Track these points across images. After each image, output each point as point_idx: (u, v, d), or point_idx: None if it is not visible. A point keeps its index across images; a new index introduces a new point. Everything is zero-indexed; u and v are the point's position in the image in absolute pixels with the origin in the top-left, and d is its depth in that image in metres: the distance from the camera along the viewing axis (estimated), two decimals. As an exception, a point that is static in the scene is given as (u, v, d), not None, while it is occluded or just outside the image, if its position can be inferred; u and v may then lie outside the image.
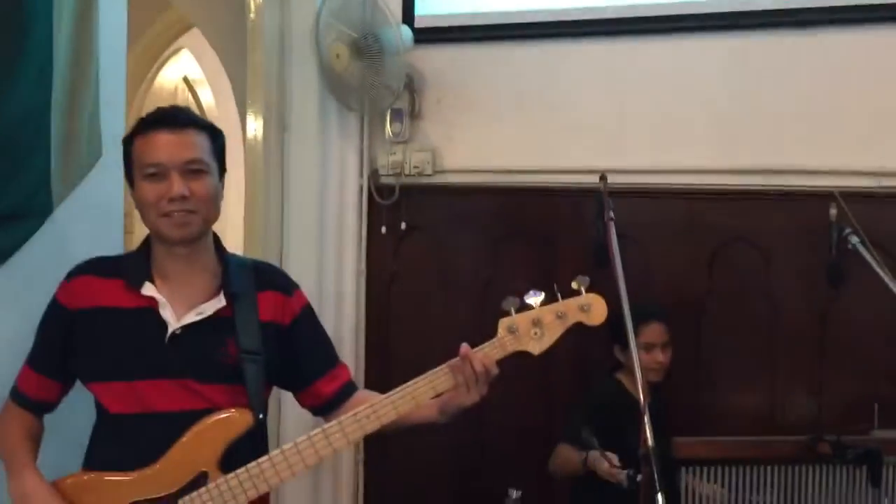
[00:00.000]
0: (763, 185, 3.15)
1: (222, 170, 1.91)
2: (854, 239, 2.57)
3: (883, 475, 2.32)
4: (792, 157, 3.11)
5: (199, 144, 1.83)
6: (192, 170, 1.82)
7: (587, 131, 3.40)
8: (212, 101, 6.06)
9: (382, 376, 3.58)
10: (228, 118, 5.24)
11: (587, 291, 1.84)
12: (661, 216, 3.28)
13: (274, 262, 3.56)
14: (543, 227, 3.49)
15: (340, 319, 3.58)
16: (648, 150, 3.31)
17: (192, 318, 1.84)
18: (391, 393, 1.85)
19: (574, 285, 1.84)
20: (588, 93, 3.40)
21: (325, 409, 1.99)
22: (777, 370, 3.20)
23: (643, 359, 2.82)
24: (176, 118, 1.85)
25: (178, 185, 1.79)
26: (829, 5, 3.08)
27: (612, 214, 2.29)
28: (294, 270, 3.54)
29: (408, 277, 3.65)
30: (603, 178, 2.41)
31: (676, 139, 3.27)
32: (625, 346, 2.48)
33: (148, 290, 1.85)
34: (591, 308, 1.83)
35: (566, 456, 2.75)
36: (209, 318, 1.84)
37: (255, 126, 3.68)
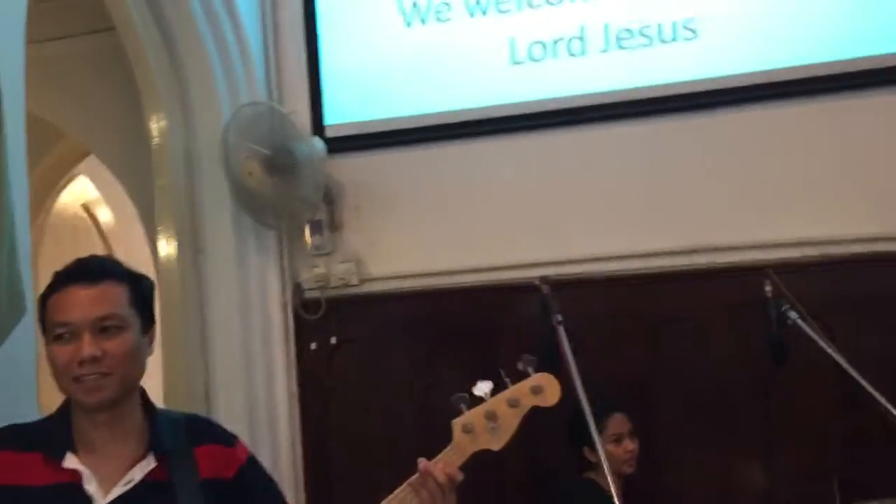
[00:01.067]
0: (693, 265, 3.18)
1: (148, 320, 1.75)
2: (793, 314, 2.58)
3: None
4: (718, 235, 3.16)
5: (115, 298, 1.68)
6: (106, 327, 1.66)
7: (512, 227, 3.39)
8: (112, 221, 5.86)
9: (327, 499, 3.39)
10: (134, 240, 5.04)
11: (535, 372, 1.74)
12: (597, 304, 3.26)
13: (199, 392, 3.41)
14: (478, 326, 3.43)
15: (276, 447, 3.41)
16: (577, 239, 3.31)
17: (121, 489, 1.65)
18: (353, 530, 1.72)
19: (520, 367, 1.74)
20: (509, 188, 3.40)
21: (279, 563, 1.81)
22: (727, 449, 3.17)
23: (615, 452, 2.78)
24: (89, 271, 1.69)
25: (88, 347, 1.63)
26: (732, 87, 3.19)
27: (559, 318, 2.23)
28: (221, 400, 3.41)
29: (344, 393, 3.51)
30: (545, 281, 2.36)
31: (603, 227, 3.29)
32: (594, 446, 2.40)
33: (70, 461, 1.67)
34: (544, 389, 1.73)
35: None
36: (141, 484, 1.66)
37: (167, 250, 3.53)
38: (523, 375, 1.73)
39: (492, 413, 1.71)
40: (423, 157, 3.50)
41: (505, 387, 1.73)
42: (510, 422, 1.71)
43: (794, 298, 2.70)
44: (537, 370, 1.73)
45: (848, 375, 2.45)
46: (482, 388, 1.72)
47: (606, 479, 2.31)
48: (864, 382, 2.41)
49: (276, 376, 3.48)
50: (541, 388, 1.72)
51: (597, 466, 2.83)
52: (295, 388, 3.51)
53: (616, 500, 1.93)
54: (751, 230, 3.12)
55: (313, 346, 3.50)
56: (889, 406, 2.37)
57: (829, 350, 2.47)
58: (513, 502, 3.30)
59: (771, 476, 3.10)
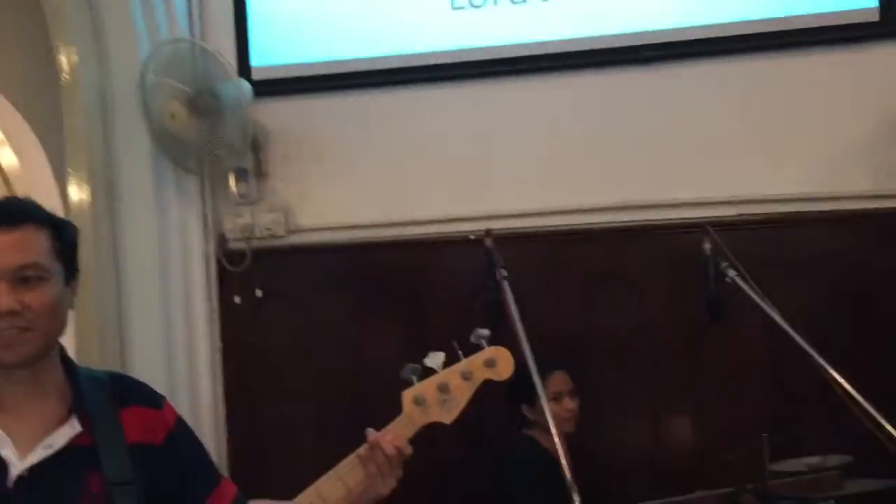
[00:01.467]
0: (632, 221, 3.15)
1: (72, 270, 1.60)
2: (731, 272, 2.57)
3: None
4: (657, 192, 3.13)
5: (36, 245, 1.52)
6: (26, 277, 1.50)
7: (446, 179, 3.29)
8: (16, 165, 5.52)
9: (250, 464, 3.27)
10: (42, 186, 4.75)
11: (489, 345, 1.71)
12: (533, 259, 3.20)
13: (113, 349, 3.25)
14: (410, 280, 3.34)
15: (197, 406, 3.27)
16: (512, 193, 3.24)
17: (40, 454, 1.52)
18: (295, 500, 1.63)
19: (473, 339, 1.71)
20: (445, 139, 3.30)
21: (216, 532, 1.70)
22: (660, 406, 3.19)
23: (554, 409, 2.72)
24: (6, 214, 1.53)
25: (6, 299, 1.48)
26: (673, 41, 3.14)
27: (504, 272, 2.15)
28: (138, 356, 3.27)
29: (270, 349, 3.38)
30: (488, 234, 2.28)
31: (540, 181, 3.23)
32: (533, 403, 2.34)
33: None
34: (497, 362, 1.71)
35: None
36: (63, 450, 1.53)
37: (78, 196, 3.32)
38: (476, 348, 1.70)
39: (444, 385, 1.67)
40: (356, 104, 3.37)
41: (455, 359, 1.69)
42: (462, 394, 1.68)
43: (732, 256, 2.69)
44: (490, 343, 1.69)
45: (780, 333, 2.46)
46: (434, 359, 1.68)
47: (545, 436, 2.26)
48: (799, 340, 2.42)
49: (198, 331, 3.34)
50: (494, 361, 1.70)
51: (535, 424, 2.80)
52: (218, 344, 3.37)
53: (562, 458, 1.87)
54: (690, 187, 3.11)
55: (237, 299, 3.35)
56: (823, 362, 2.39)
57: (767, 308, 2.46)
58: (450, 459, 3.23)
59: (703, 433, 3.12)
